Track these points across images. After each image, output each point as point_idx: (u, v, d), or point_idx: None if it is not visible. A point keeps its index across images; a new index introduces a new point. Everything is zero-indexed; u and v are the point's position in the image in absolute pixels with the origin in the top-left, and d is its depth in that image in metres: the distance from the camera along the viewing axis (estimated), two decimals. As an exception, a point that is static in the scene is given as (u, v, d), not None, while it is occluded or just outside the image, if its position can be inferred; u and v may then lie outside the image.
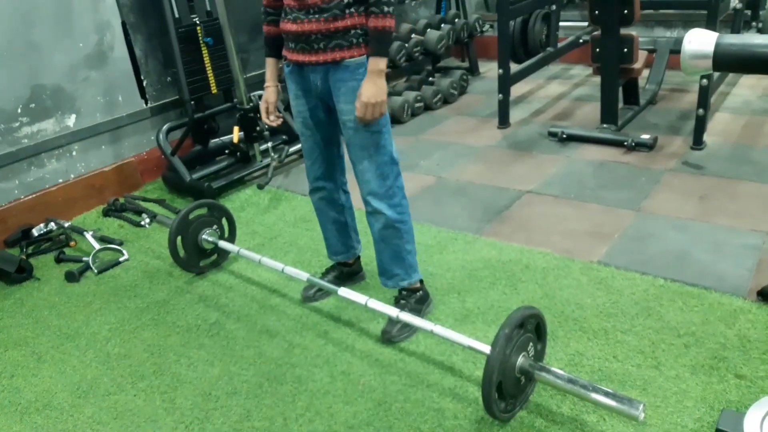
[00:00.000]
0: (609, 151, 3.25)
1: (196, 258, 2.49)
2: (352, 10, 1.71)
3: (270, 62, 2.00)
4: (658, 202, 2.71)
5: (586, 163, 3.16)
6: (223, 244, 2.47)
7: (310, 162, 2.06)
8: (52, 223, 2.93)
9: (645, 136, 3.19)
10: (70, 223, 2.97)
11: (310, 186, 2.13)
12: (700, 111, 3.08)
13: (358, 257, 2.34)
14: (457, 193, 3.01)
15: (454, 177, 3.19)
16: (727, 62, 1.40)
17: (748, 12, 4.03)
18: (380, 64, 1.71)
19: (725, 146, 3.18)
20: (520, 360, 1.56)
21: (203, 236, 2.46)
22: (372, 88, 1.72)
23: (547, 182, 3.01)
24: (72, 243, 2.85)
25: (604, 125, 3.38)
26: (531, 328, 1.63)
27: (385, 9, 1.67)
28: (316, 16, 1.72)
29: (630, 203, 2.71)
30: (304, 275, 2.15)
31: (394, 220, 1.95)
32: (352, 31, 1.73)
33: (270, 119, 2.04)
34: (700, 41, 1.38)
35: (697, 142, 3.16)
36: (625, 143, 3.21)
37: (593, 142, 3.35)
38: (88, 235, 2.80)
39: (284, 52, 1.88)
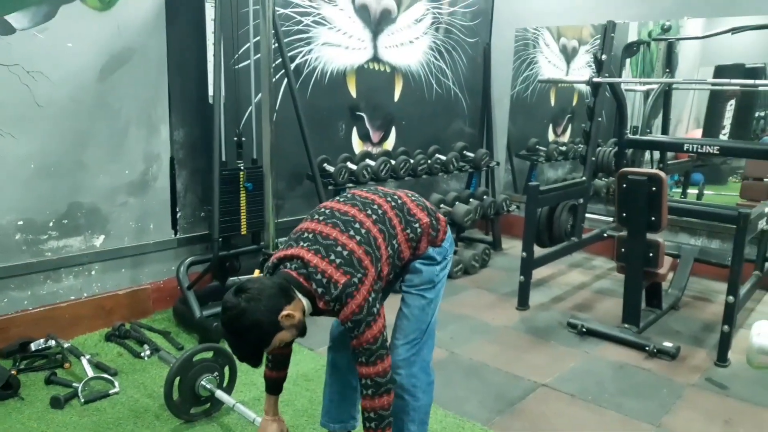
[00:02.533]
0: (629, 353, 3.15)
1: (188, 404, 2.36)
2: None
3: (271, 398, 2.02)
4: (680, 420, 2.55)
5: (606, 363, 3.04)
6: (220, 395, 2.35)
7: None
8: (52, 341, 2.85)
9: (668, 344, 3.10)
10: (69, 343, 2.89)
11: (330, 341, 2.06)
12: (726, 328, 3.01)
13: None
14: (469, 374, 2.89)
15: (467, 354, 3.09)
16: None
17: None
18: None
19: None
20: None
21: (202, 382, 2.35)
22: None
23: (564, 377, 2.88)
24: (66, 365, 2.74)
25: (626, 325, 3.31)
26: None
27: (374, 425, 1.74)
28: None
29: (650, 416, 2.56)
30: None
31: (403, 388, 1.87)
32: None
33: None
34: None
35: (722, 359, 3.05)
36: (647, 348, 3.11)
37: (613, 340, 3.26)
38: (84, 360, 2.71)
39: None
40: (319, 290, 1.65)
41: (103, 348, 2.98)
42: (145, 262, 3.34)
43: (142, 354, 2.90)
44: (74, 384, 2.55)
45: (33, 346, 2.82)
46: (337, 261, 1.65)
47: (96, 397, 2.51)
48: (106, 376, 2.66)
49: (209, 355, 2.43)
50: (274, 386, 2.01)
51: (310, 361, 2.90)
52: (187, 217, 3.47)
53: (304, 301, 1.68)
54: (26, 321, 2.88)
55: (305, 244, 1.70)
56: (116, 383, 2.61)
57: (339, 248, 1.67)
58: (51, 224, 2.94)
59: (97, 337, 3.08)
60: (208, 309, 3.20)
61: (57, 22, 2.82)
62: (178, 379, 2.32)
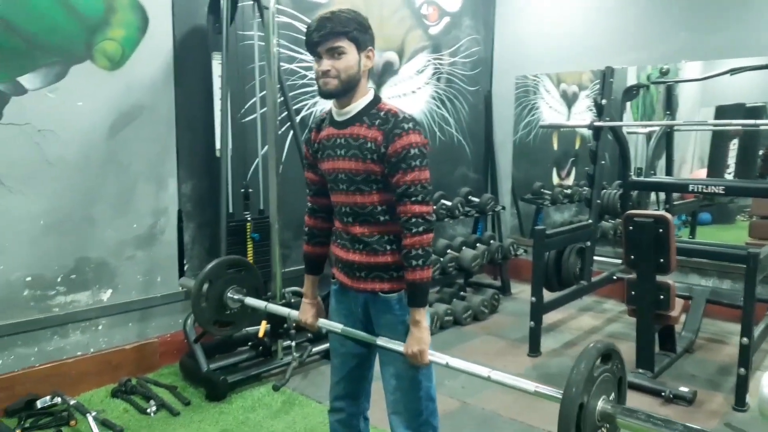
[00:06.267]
0: (645, 399, 3.08)
1: (214, 312, 2.21)
2: (394, 247, 1.75)
3: (310, 279, 2.00)
4: (701, 468, 2.47)
5: (621, 410, 2.97)
6: (250, 301, 2.18)
7: (335, 379, 1.98)
8: (58, 398, 2.82)
9: (684, 389, 3.03)
10: (76, 400, 2.85)
11: (330, 404, 2.02)
12: (741, 370, 2.95)
13: None
14: (481, 425, 2.82)
15: (479, 404, 3.03)
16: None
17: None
18: (417, 314, 1.72)
19: (771, 411, 2.98)
20: None
21: (229, 293, 2.21)
22: (410, 340, 1.72)
23: (578, 426, 2.81)
24: (72, 422, 2.70)
25: (640, 370, 3.25)
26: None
27: (421, 262, 1.68)
28: (359, 247, 1.77)
29: (670, 465, 2.48)
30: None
31: None
32: (393, 266, 1.76)
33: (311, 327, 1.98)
34: None
35: (740, 403, 2.97)
36: (663, 394, 3.04)
37: (629, 387, 3.19)
38: (90, 417, 2.67)
39: (333, 270, 1.92)
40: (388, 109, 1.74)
41: (109, 404, 2.94)
42: (152, 316, 3.33)
43: (148, 410, 2.85)
44: (79, 443, 2.52)
45: (39, 404, 2.79)
46: None
47: (101, 456, 2.47)
48: (111, 433, 2.62)
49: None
50: (313, 264, 1.98)
51: (318, 414, 2.85)
52: (194, 269, 3.47)
53: (371, 89, 1.81)
54: (32, 378, 2.86)
55: None
56: (122, 441, 2.57)
57: None
58: (59, 279, 2.96)
59: (103, 393, 3.04)
60: (215, 362, 3.18)
61: (68, 81, 2.90)
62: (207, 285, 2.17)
